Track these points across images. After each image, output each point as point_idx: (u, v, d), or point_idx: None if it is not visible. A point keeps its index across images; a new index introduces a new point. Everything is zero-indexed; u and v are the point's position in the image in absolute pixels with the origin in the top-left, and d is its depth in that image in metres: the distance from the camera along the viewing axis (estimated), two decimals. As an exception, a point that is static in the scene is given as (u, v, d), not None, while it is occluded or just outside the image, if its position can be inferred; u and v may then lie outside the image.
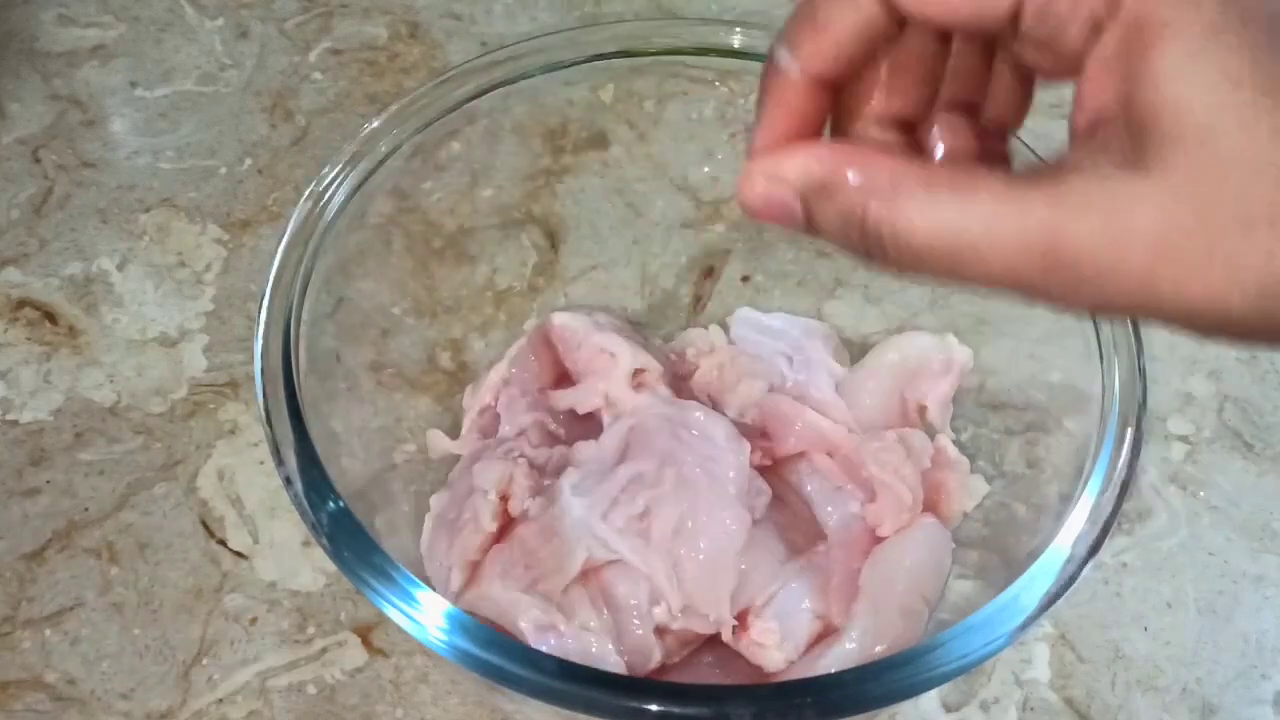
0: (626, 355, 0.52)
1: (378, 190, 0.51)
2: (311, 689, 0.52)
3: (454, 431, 0.55)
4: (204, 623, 0.54)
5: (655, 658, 0.48)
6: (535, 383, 0.54)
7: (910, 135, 0.34)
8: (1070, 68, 0.30)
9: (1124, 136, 0.28)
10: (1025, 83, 0.34)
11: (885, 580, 0.49)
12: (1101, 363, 0.45)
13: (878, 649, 0.47)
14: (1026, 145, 0.50)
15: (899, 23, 0.31)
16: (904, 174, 0.30)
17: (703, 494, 0.48)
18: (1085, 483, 0.43)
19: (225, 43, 0.73)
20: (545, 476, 0.51)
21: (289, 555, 0.56)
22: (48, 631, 0.53)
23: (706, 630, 0.48)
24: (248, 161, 0.68)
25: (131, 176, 0.67)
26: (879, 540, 0.51)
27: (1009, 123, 0.35)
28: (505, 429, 0.54)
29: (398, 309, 0.54)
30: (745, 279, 0.60)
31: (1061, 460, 0.47)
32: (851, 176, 0.30)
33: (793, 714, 0.38)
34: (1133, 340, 0.46)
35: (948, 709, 0.53)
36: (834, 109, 0.34)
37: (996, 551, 0.50)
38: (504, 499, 0.49)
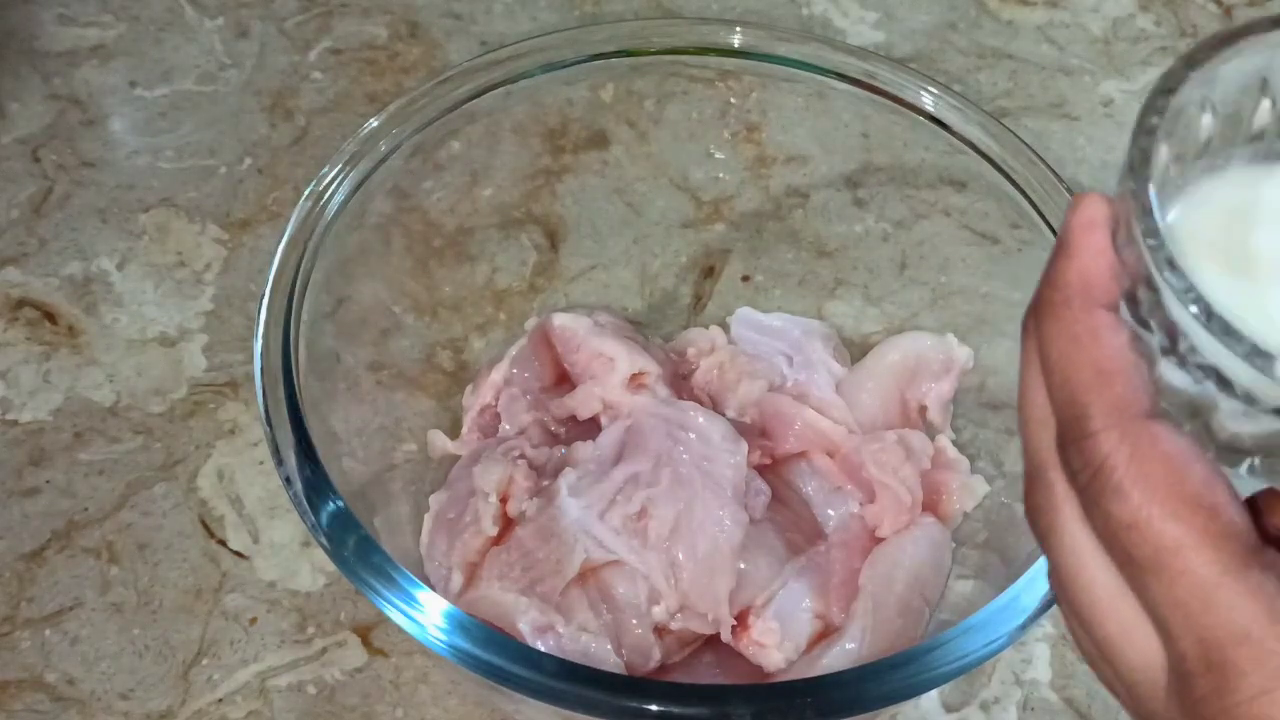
0: (624, 360, 0.52)
1: (377, 190, 0.51)
2: (311, 689, 0.52)
3: (454, 431, 0.55)
4: (204, 623, 0.54)
5: (655, 657, 0.48)
6: (536, 382, 0.54)
7: None
8: None
9: None
10: None
11: (885, 580, 0.49)
12: (1102, 363, 0.45)
13: (878, 649, 0.47)
14: (1026, 144, 0.50)
15: None
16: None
17: (699, 493, 0.48)
18: (1085, 483, 0.43)
19: (225, 42, 0.73)
20: (545, 477, 0.51)
21: (289, 555, 0.56)
22: (47, 631, 0.53)
23: (705, 630, 0.48)
24: (247, 161, 0.68)
25: (131, 176, 0.67)
26: (879, 540, 0.51)
27: None
28: (505, 428, 0.54)
29: (398, 309, 0.54)
30: (745, 279, 0.60)
31: (1062, 460, 0.47)
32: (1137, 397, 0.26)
33: (793, 714, 0.38)
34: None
35: (948, 709, 0.53)
36: None
37: (996, 551, 0.50)
38: (503, 500, 0.49)
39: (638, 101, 0.58)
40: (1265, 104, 0.29)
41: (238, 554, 0.56)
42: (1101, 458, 0.25)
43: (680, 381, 0.55)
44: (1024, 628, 0.40)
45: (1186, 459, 0.25)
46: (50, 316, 0.62)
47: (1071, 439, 0.26)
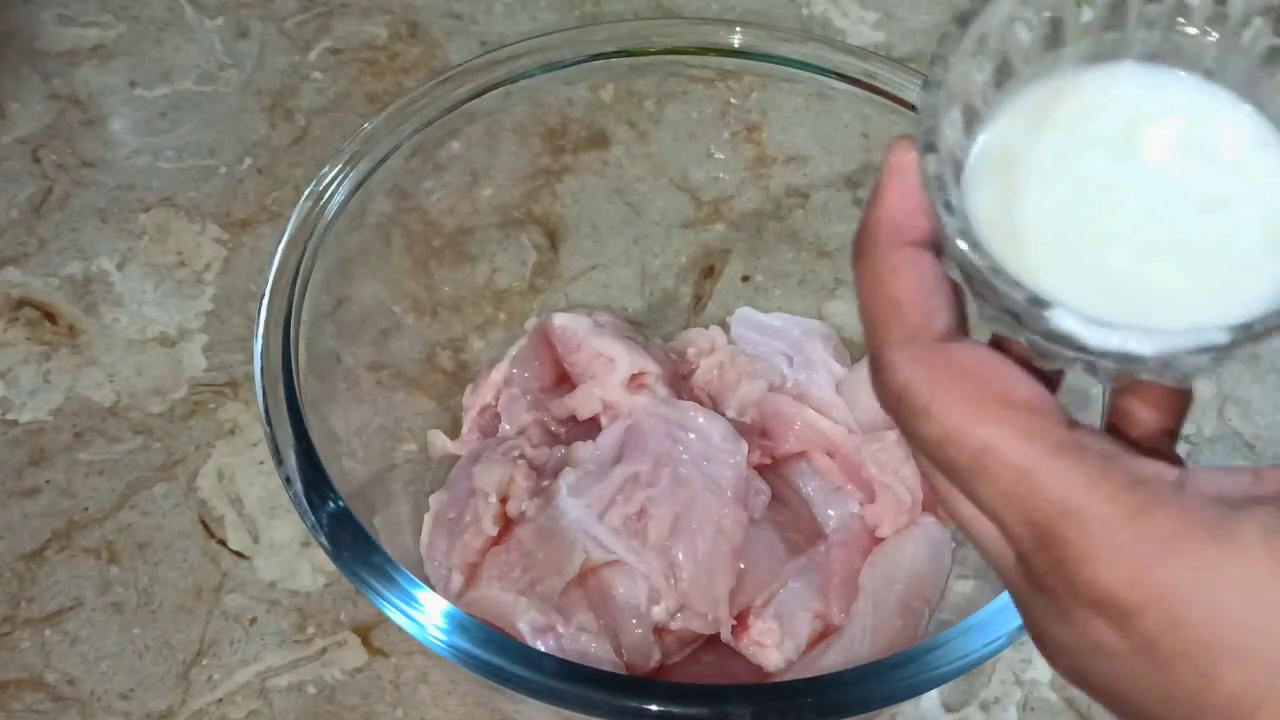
0: (624, 360, 0.52)
1: (377, 190, 0.51)
2: (311, 689, 0.52)
3: (454, 431, 0.55)
4: (204, 623, 0.54)
5: (654, 657, 0.48)
6: (536, 382, 0.54)
7: None
8: None
9: None
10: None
11: (885, 580, 0.49)
12: (1102, 363, 0.45)
13: (878, 649, 0.47)
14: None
15: None
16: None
17: (699, 494, 0.48)
18: (1085, 483, 0.43)
19: (225, 42, 0.73)
20: (545, 477, 0.51)
21: (289, 555, 0.56)
22: (48, 631, 0.53)
23: (705, 630, 0.48)
24: (247, 161, 0.68)
25: (131, 176, 0.67)
26: (879, 540, 0.51)
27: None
28: (505, 428, 0.54)
29: (398, 309, 0.54)
30: (745, 279, 0.60)
31: (1062, 460, 0.47)
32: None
33: (793, 714, 0.38)
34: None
35: (948, 709, 0.53)
36: None
37: (996, 551, 0.50)
38: (503, 500, 0.49)
39: (638, 101, 0.58)
40: (1086, 9, 0.29)
41: (238, 554, 0.56)
42: (902, 385, 0.26)
43: (680, 381, 0.55)
44: (1024, 628, 0.40)
45: (983, 367, 0.26)
46: (50, 316, 0.62)
47: (875, 372, 0.28)
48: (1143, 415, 0.28)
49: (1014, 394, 0.25)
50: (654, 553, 0.47)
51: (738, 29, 0.53)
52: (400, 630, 0.40)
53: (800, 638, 0.48)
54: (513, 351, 0.55)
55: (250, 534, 0.56)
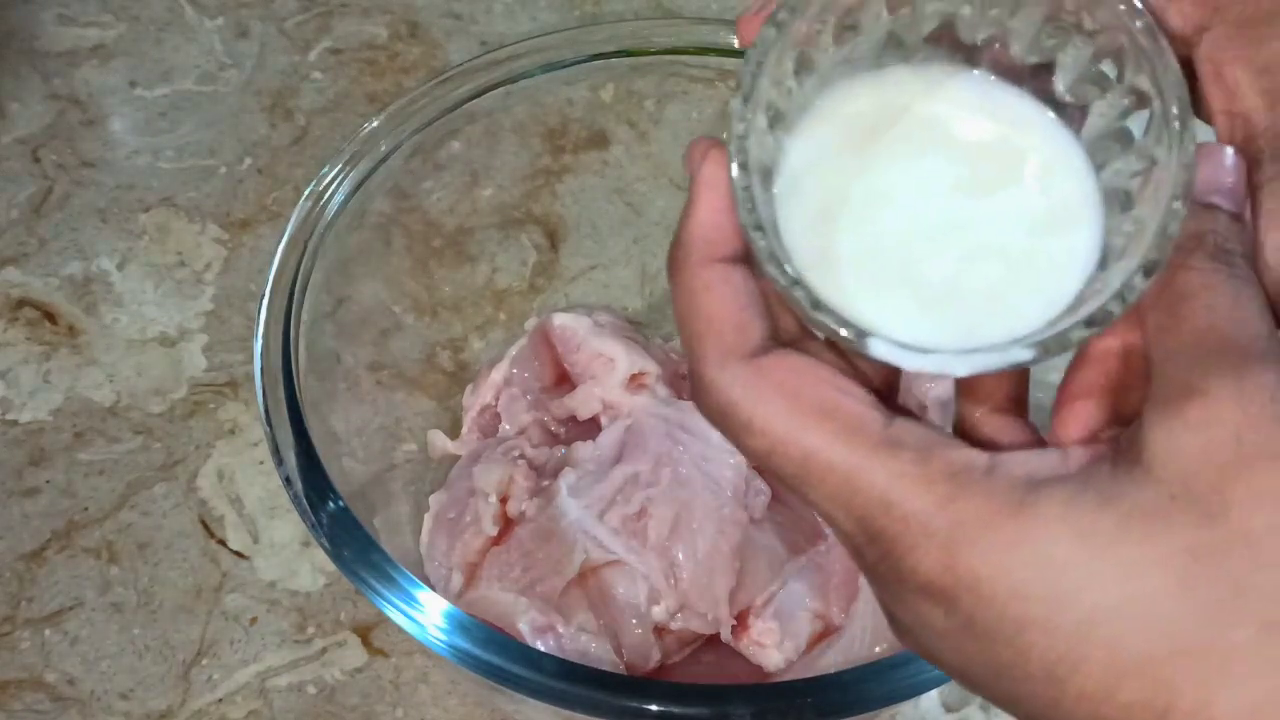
0: (624, 360, 0.52)
1: (377, 190, 0.51)
2: (311, 689, 0.52)
3: (454, 431, 0.55)
4: (204, 623, 0.54)
5: (654, 658, 0.48)
6: (536, 382, 0.54)
7: None
8: None
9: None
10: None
11: (885, 580, 0.49)
12: (1101, 363, 0.45)
13: (878, 649, 0.47)
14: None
15: None
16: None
17: (699, 494, 0.48)
18: (1085, 483, 0.43)
19: (225, 42, 0.73)
20: (545, 477, 0.51)
21: (289, 555, 0.56)
22: (47, 631, 0.53)
23: (705, 630, 0.48)
24: (247, 161, 0.68)
25: (131, 176, 0.67)
26: (879, 540, 0.51)
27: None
28: (505, 428, 0.54)
29: (398, 309, 0.54)
30: (745, 279, 0.60)
31: (1061, 460, 0.47)
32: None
33: (793, 714, 0.38)
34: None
35: (948, 709, 0.53)
36: None
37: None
38: (503, 500, 0.49)
39: (638, 101, 0.58)
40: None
41: (238, 554, 0.56)
42: (724, 404, 0.27)
43: (680, 381, 0.55)
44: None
45: (799, 377, 0.27)
46: (50, 316, 0.62)
47: (696, 389, 0.28)
48: (988, 387, 0.29)
49: (830, 400, 0.26)
50: (654, 553, 0.47)
51: (738, 29, 0.53)
52: (400, 630, 0.40)
53: (800, 638, 0.48)
54: (513, 351, 0.55)
55: (250, 534, 0.56)
